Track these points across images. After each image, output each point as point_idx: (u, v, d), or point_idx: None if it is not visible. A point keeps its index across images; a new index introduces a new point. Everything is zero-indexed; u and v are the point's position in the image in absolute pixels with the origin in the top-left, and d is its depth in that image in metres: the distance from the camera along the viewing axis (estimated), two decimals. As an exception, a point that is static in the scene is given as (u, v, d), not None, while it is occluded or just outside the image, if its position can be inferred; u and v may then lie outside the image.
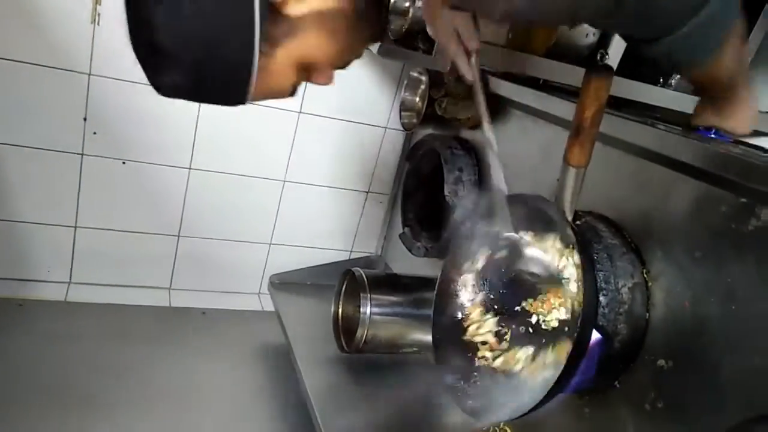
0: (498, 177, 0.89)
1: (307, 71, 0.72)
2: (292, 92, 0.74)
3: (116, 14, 1.60)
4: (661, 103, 1.36)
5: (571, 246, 0.84)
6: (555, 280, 0.86)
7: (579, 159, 0.83)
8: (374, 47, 1.22)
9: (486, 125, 0.89)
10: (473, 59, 0.88)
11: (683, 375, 0.82)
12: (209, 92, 0.68)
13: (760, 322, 0.73)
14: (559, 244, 0.87)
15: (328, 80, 0.76)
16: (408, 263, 1.79)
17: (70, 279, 1.86)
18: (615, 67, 1.34)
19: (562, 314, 0.84)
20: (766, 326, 0.72)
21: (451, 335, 1.00)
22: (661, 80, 1.42)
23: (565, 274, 0.84)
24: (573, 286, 0.83)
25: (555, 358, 0.82)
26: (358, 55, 0.79)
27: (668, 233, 0.88)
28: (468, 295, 0.99)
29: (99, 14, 1.59)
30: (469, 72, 0.89)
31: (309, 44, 0.69)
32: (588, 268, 0.79)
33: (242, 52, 0.63)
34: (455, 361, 0.98)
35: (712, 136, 0.97)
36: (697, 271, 0.83)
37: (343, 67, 0.78)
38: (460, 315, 1.00)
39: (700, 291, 0.82)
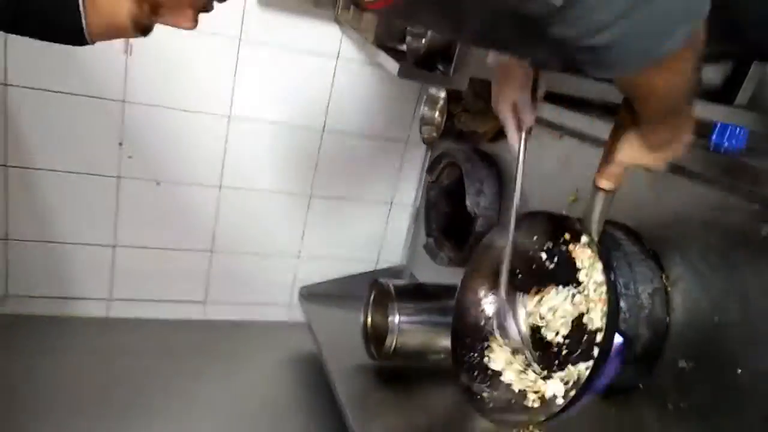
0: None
1: (152, 5, 0.63)
2: (139, 29, 0.64)
3: (148, 45, 1.69)
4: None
5: (594, 265, 0.88)
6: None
7: (609, 184, 0.86)
8: (394, 69, 1.28)
9: (518, 190, 0.93)
10: (523, 134, 0.92)
11: (704, 376, 0.86)
12: (29, 21, 0.59)
13: (776, 323, 0.77)
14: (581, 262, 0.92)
15: (189, 23, 0.66)
16: (433, 272, 1.84)
17: (111, 296, 1.95)
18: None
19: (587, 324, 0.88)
20: (781, 327, 0.76)
21: (471, 343, 1.05)
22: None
23: (587, 291, 0.89)
24: (595, 302, 0.88)
25: (576, 371, 0.87)
26: None
27: (685, 240, 0.92)
28: (489, 306, 1.04)
29: (131, 45, 1.67)
30: (516, 143, 0.92)
31: None
32: (611, 284, 0.84)
33: None
34: (474, 367, 1.02)
35: (726, 144, 1.01)
36: (714, 276, 0.86)
37: (204, 7, 0.67)
38: (482, 322, 1.05)
39: (717, 295, 0.85)
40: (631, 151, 0.80)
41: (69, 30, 0.60)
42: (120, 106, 1.73)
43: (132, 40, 1.66)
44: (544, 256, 0.99)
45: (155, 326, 1.90)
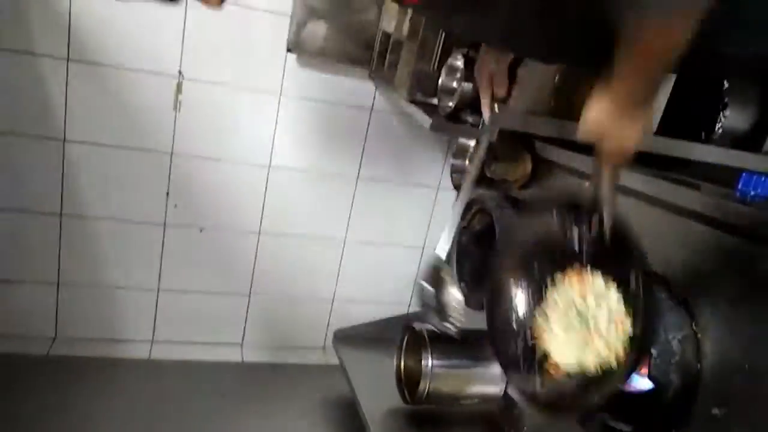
0: None
1: None
2: None
3: (195, 101, 1.82)
4: (704, 159, 1.41)
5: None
6: None
7: (616, 158, 0.86)
8: (426, 123, 1.35)
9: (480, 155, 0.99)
10: (496, 105, 0.98)
11: (737, 423, 0.86)
12: None
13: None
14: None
15: None
16: (465, 316, 1.85)
17: (153, 338, 2.02)
18: (656, 125, 1.42)
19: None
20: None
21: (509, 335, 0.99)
22: (704, 136, 1.49)
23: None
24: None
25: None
26: None
27: (713, 287, 0.94)
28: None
29: (180, 102, 1.80)
30: (487, 111, 0.99)
31: None
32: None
33: None
34: (519, 358, 0.95)
35: (752, 193, 1.04)
36: (742, 323, 0.88)
37: None
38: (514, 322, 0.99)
39: (746, 341, 0.87)
40: (599, 108, 0.81)
41: None
42: (168, 159, 1.84)
43: (180, 96, 1.79)
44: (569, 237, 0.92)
45: (195, 368, 1.96)
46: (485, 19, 0.78)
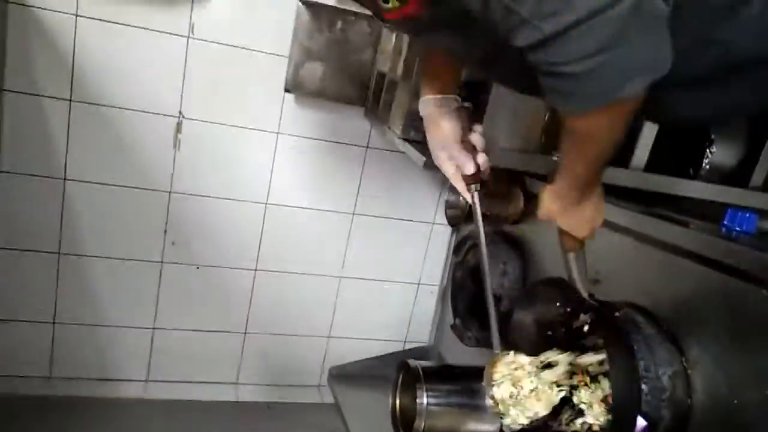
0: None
1: None
2: None
3: (195, 140, 1.85)
4: (691, 194, 1.44)
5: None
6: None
7: (572, 245, 0.97)
8: (420, 161, 1.37)
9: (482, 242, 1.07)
10: (473, 188, 1.03)
11: (728, 459, 0.86)
12: None
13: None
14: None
15: None
16: (460, 352, 1.85)
17: (147, 377, 2.01)
18: (645, 161, 1.45)
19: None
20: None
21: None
22: (692, 171, 1.51)
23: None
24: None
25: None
26: None
27: (702, 323, 0.95)
28: None
29: (180, 140, 1.83)
30: (465, 193, 1.04)
31: None
32: (618, 360, 0.87)
33: None
34: None
35: (737, 229, 1.05)
36: (731, 359, 0.88)
37: None
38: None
39: (736, 378, 0.87)
40: (547, 202, 0.91)
41: None
42: (166, 196, 1.87)
43: (180, 135, 1.82)
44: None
45: (189, 408, 1.94)
46: (466, 41, 0.81)
